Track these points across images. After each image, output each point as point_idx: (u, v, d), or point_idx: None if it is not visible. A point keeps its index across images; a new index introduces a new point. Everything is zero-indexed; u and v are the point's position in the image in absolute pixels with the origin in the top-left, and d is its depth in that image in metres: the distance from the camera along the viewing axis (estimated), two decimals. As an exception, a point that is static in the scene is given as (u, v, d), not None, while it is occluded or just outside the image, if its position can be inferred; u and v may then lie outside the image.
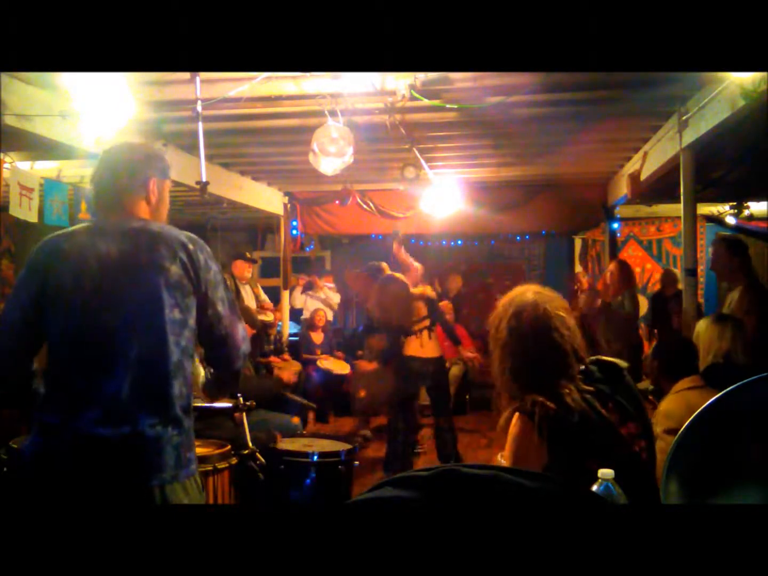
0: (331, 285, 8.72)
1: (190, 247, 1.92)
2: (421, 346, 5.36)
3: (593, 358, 2.03)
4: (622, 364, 2.00)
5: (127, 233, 1.91)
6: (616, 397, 1.90)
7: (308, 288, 8.55)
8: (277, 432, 4.01)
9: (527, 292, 1.97)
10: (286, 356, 7.22)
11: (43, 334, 1.92)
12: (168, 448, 1.82)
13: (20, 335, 1.93)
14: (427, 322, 5.42)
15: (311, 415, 6.90)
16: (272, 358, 6.71)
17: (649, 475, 1.84)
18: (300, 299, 8.46)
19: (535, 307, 1.91)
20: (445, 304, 6.58)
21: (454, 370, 7.34)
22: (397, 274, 5.59)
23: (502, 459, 2.51)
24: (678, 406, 2.79)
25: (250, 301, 6.63)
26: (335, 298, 8.65)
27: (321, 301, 8.46)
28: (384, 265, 6.05)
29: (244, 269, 6.68)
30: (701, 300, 7.11)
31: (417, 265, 5.78)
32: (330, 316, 8.39)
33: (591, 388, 1.88)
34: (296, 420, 4.64)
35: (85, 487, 1.77)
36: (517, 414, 1.85)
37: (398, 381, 5.40)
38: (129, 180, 1.99)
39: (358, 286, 6.97)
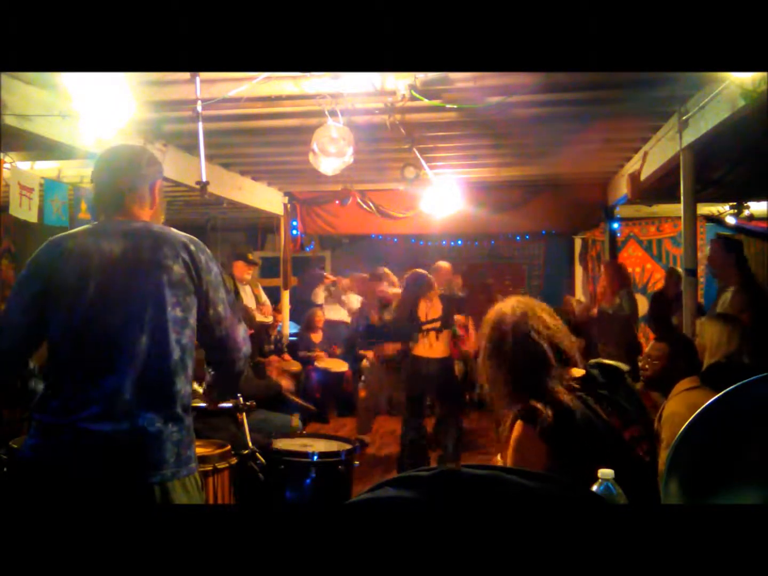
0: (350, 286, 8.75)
1: (192, 248, 1.94)
2: (430, 347, 5.38)
3: (593, 361, 2.03)
4: (623, 367, 2.01)
5: (130, 233, 1.93)
6: (618, 400, 1.90)
7: (331, 286, 8.59)
8: (271, 426, 4.02)
9: (507, 302, 2.01)
10: (287, 356, 7.22)
11: (42, 334, 1.92)
12: (168, 445, 1.83)
13: (21, 336, 1.94)
14: (437, 324, 5.43)
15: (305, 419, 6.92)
16: (273, 358, 6.71)
17: (651, 478, 1.84)
18: (321, 296, 8.49)
19: (513, 312, 1.95)
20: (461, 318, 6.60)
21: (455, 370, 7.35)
22: (423, 270, 5.68)
23: (502, 460, 2.50)
24: (682, 409, 2.78)
25: (249, 302, 6.63)
26: (355, 303, 8.67)
27: (340, 302, 8.48)
28: (386, 270, 6.11)
29: (244, 271, 6.66)
30: (701, 300, 7.11)
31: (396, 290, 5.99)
32: (347, 318, 8.44)
33: (597, 392, 1.88)
34: (296, 421, 4.64)
35: (86, 483, 1.77)
36: (519, 421, 1.84)
37: (406, 381, 5.44)
38: (135, 182, 2.01)
39: (360, 289, 7.05)
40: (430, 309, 5.47)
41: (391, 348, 6.05)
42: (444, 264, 6.42)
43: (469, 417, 7.16)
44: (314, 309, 8.16)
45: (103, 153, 2.12)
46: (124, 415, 1.79)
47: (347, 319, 8.45)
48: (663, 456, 1.98)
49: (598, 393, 1.88)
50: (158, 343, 1.85)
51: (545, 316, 1.97)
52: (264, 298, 7.22)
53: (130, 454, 1.79)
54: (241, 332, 2.07)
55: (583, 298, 8.72)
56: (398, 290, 6.12)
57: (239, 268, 6.62)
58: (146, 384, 1.83)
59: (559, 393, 1.83)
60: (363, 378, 6.90)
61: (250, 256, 6.95)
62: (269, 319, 6.79)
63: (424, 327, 5.40)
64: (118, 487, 1.78)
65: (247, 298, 6.68)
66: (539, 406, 1.81)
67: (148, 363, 1.84)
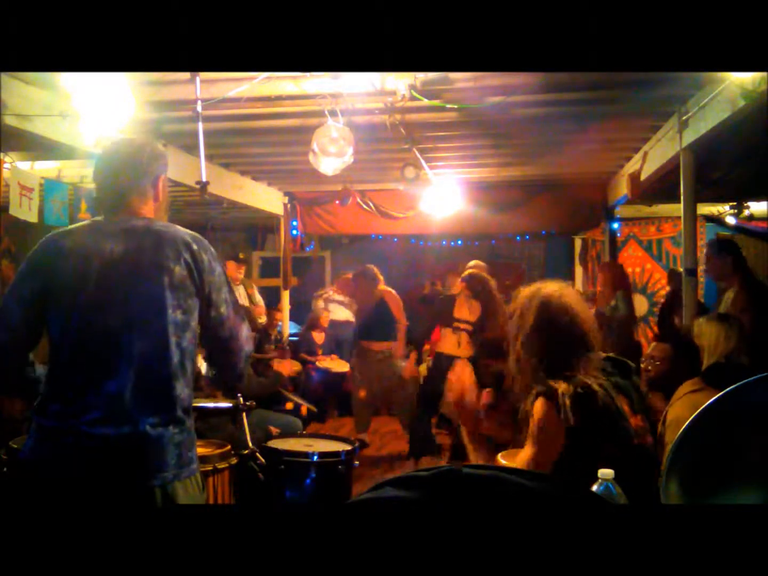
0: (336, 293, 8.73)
1: (194, 247, 1.90)
2: (458, 346, 5.37)
3: (603, 355, 2.10)
4: (631, 363, 2.13)
5: (132, 232, 1.89)
6: (627, 390, 2.00)
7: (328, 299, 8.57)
8: (272, 426, 4.02)
9: (550, 285, 2.11)
10: (287, 354, 7.24)
11: (40, 330, 1.91)
12: (170, 447, 1.81)
13: (18, 329, 1.92)
14: (470, 327, 5.39)
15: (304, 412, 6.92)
16: (280, 353, 6.74)
17: (652, 468, 1.88)
18: (320, 307, 8.44)
19: (560, 297, 2.06)
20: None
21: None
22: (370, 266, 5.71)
23: (502, 459, 2.53)
24: (687, 412, 2.77)
25: (242, 302, 6.64)
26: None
27: (344, 305, 8.46)
28: (375, 269, 6.11)
29: (235, 270, 6.68)
30: (701, 300, 7.11)
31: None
32: (352, 317, 8.45)
33: (609, 379, 1.97)
34: (296, 422, 4.63)
35: (87, 486, 1.76)
36: (540, 398, 1.92)
37: (427, 376, 5.45)
38: (137, 178, 1.97)
39: (351, 290, 7.05)
40: (469, 309, 5.44)
41: (376, 346, 6.03)
42: (479, 264, 6.13)
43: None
44: (320, 309, 8.15)
45: (105, 148, 2.07)
46: (125, 419, 1.78)
47: (353, 318, 8.45)
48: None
49: (612, 379, 1.97)
50: (158, 347, 1.82)
51: (584, 304, 2.11)
52: (258, 298, 7.21)
53: (131, 457, 1.78)
54: (244, 332, 2.03)
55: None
56: (386, 287, 6.14)
57: (231, 268, 6.63)
58: (146, 388, 1.81)
59: (584, 375, 1.92)
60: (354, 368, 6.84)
61: (241, 255, 6.94)
62: (262, 320, 6.80)
63: (455, 324, 5.39)
64: (118, 489, 1.77)
65: (241, 298, 6.68)
66: (562, 384, 1.90)
67: (147, 367, 1.81)
